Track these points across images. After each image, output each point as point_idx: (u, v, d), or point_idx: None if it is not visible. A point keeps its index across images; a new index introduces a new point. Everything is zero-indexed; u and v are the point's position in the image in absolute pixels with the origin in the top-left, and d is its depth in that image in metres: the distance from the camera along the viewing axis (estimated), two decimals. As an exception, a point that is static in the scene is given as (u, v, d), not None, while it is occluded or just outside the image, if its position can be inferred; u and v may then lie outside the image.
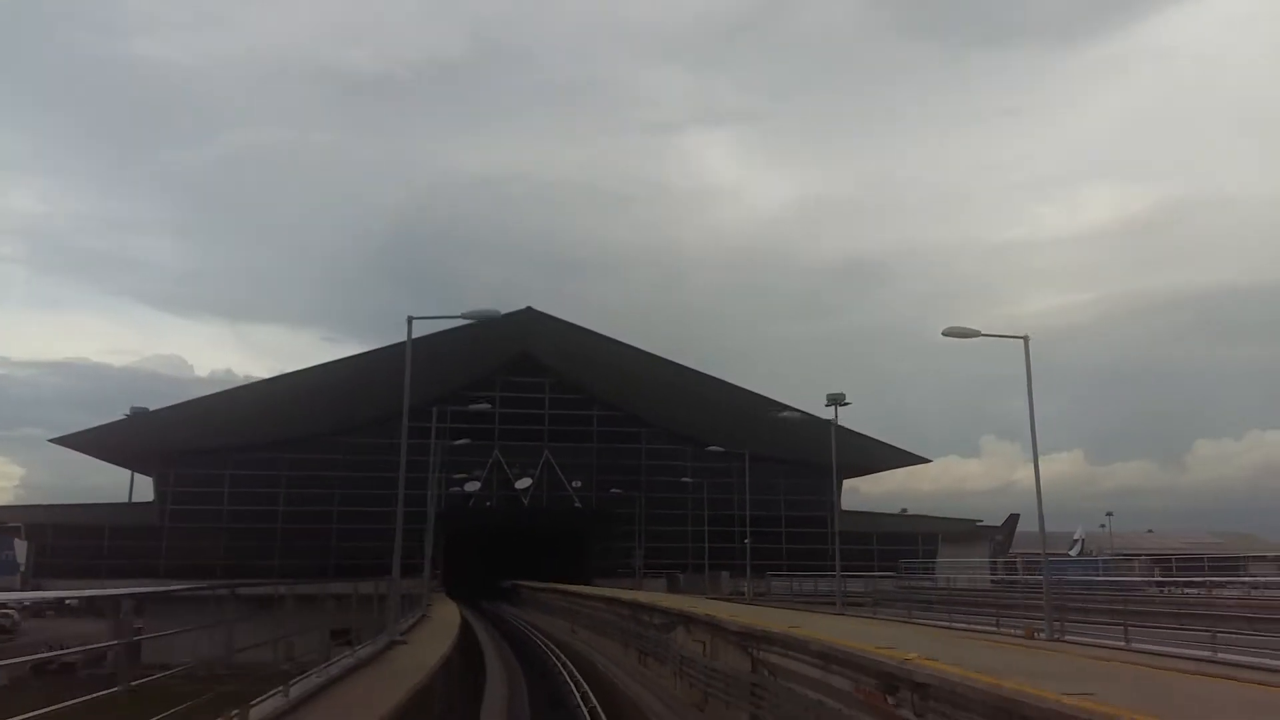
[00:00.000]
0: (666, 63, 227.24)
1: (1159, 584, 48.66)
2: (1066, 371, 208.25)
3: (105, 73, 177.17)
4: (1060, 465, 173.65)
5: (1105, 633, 21.74)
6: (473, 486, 74.65)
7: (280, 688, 11.08)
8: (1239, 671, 13.52)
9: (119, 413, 78.11)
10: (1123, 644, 18.43)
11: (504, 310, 34.54)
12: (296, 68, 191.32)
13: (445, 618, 30.87)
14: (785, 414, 47.47)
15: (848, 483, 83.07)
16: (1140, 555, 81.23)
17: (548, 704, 26.34)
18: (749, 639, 17.97)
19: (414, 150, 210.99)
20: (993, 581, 65.04)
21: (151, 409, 73.37)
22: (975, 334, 22.32)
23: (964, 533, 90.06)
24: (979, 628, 25.06)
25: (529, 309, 75.68)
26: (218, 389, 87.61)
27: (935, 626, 25.00)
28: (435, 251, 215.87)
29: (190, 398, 74.66)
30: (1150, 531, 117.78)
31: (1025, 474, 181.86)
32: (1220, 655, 16.81)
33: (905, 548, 76.21)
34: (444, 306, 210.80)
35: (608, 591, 41.24)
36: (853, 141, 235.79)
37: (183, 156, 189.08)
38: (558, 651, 37.32)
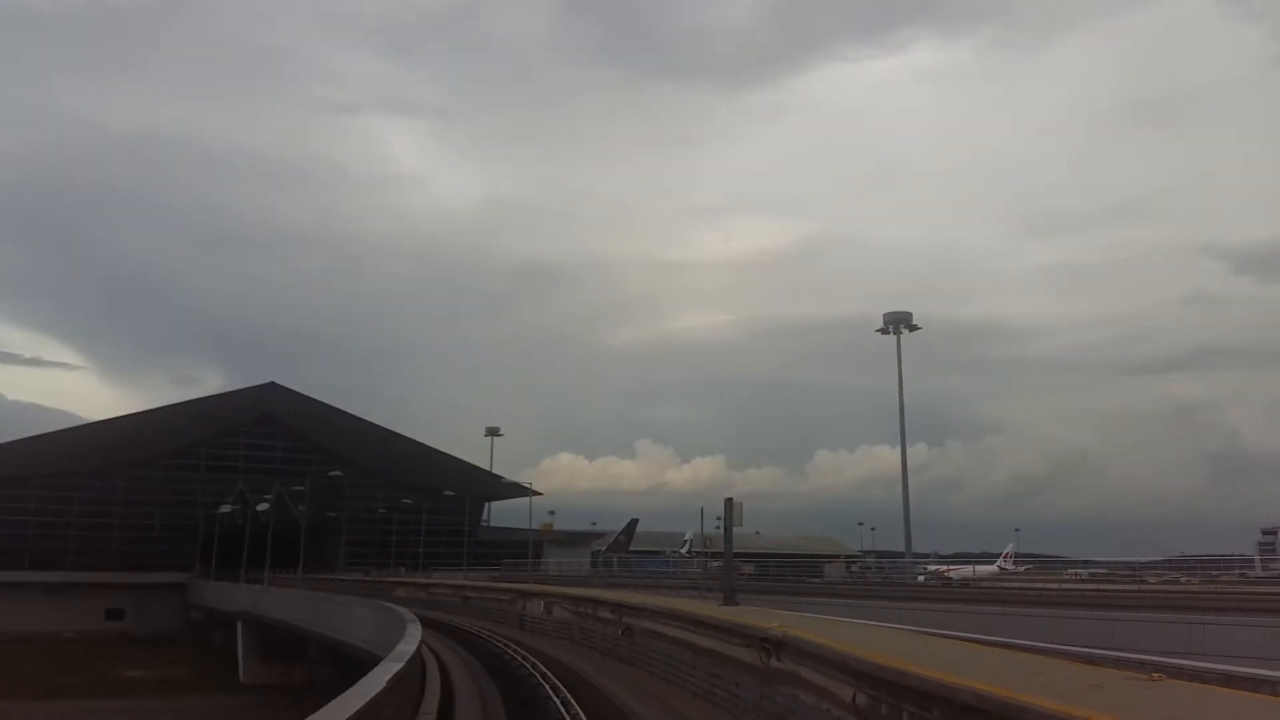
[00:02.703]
0: (358, 44, 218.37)
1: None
2: (716, 383, 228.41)
3: None
4: (704, 469, 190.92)
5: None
6: (226, 509, 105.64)
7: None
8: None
9: None
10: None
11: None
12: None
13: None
14: (448, 492, 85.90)
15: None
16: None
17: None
18: (425, 587, 57.26)
19: (53, 96, 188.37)
20: (592, 569, 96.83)
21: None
22: (528, 493, 62.60)
23: (572, 538, 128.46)
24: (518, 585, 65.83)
25: (272, 383, 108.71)
26: None
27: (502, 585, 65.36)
28: (73, 210, 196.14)
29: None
30: (758, 533, 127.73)
31: (676, 475, 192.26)
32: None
33: (520, 550, 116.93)
34: (81, 272, 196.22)
35: (354, 575, 78.21)
36: (539, 149, 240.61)
37: None
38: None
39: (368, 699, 9.96)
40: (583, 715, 16.59)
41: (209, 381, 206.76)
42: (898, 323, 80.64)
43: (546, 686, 20.86)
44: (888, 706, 10.56)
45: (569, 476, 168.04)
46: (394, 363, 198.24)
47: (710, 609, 21.08)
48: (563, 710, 17.54)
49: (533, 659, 25.75)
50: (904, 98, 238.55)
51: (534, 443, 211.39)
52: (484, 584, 47.41)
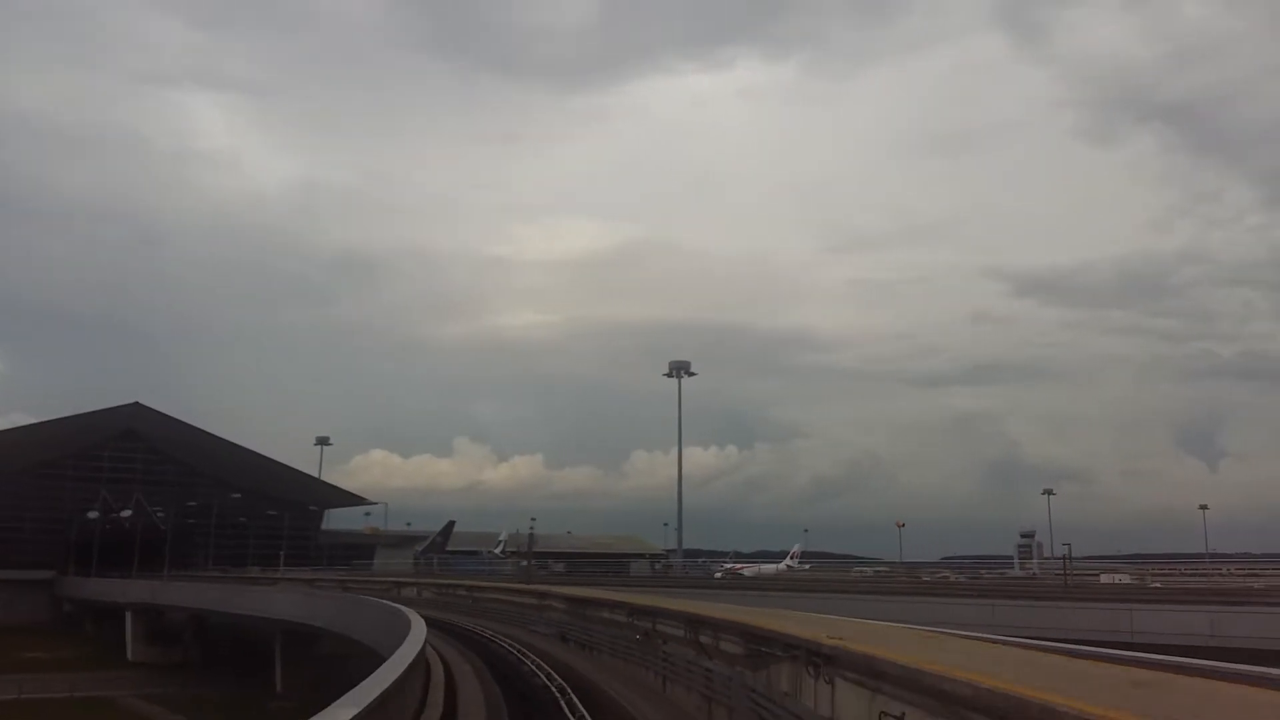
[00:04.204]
0: (168, 11, 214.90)
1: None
2: (537, 382, 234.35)
3: None
4: (523, 467, 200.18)
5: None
6: (93, 515, 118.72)
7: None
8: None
9: None
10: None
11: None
12: None
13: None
14: (312, 508, 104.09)
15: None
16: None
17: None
18: (309, 582, 77.01)
19: None
20: (415, 567, 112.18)
21: None
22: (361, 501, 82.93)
23: (401, 540, 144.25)
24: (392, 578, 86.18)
25: (137, 403, 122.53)
26: None
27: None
28: None
29: None
30: (569, 533, 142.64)
31: (493, 474, 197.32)
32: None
33: (356, 552, 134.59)
34: None
35: (214, 573, 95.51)
36: (360, 135, 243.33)
37: None
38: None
39: (416, 652, 30.84)
40: (466, 629, 38.80)
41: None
42: (678, 369, 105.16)
43: (444, 623, 42.90)
44: (576, 607, 33.78)
45: (382, 474, 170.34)
46: (201, 347, 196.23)
47: (518, 584, 44.05)
48: (458, 629, 39.85)
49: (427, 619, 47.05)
50: (725, 112, 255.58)
51: (346, 438, 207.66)
52: (362, 578, 68.11)
